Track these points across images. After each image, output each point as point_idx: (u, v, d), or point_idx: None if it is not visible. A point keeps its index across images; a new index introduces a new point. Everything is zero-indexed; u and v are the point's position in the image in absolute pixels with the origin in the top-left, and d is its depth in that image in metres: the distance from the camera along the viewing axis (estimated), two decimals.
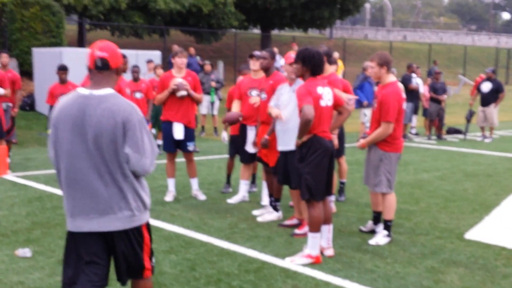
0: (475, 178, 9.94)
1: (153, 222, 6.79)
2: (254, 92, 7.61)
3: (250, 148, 7.65)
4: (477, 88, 15.82)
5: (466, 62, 35.39)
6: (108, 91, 3.35)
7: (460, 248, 5.99)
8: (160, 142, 12.08)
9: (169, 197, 8.04)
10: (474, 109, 15.98)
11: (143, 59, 15.82)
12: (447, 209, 7.65)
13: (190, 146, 8.06)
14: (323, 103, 5.47)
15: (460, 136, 16.37)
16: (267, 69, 7.22)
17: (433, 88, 15.73)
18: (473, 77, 25.40)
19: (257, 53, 7.61)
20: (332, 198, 7.55)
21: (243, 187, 7.99)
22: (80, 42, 23.86)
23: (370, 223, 6.56)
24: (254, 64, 7.59)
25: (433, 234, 6.49)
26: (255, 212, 7.35)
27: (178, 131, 7.92)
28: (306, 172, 5.43)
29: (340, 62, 18.58)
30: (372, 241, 6.08)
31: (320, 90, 5.46)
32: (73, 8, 22.02)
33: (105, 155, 3.29)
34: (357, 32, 45.50)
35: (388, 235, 6.13)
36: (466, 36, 48.49)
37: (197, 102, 8.12)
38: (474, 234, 6.50)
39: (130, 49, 18.92)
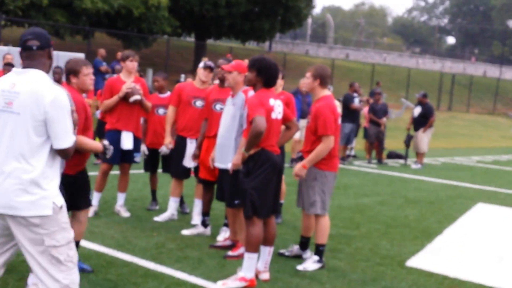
0: (417, 204, 10.23)
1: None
2: (199, 103, 7.58)
3: (188, 162, 7.62)
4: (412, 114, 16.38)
5: (409, 85, 36.58)
6: None
7: (401, 275, 6.14)
8: None
9: (90, 212, 7.87)
10: None
11: (64, 61, 15.51)
12: (388, 235, 7.83)
13: (137, 157, 8.01)
14: (274, 115, 5.54)
15: (401, 161, 16.83)
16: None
17: (373, 110, 16.13)
18: (415, 101, 26.24)
19: (209, 63, 7.68)
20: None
21: (173, 204, 7.93)
22: None
23: (295, 248, 6.59)
24: (207, 76, 7.61)
25: (374, 260, 6.62)
26: (184, 232, 7.29)
27: (128, 141, 7.82)
28: (252, 187, 5.46)
29: None
30: (300, 267, 6.13)
31: (272, 102, 5.55)
32: None
33: None
34: (297, 47, 46.33)
35: (320, 261, 6.19)
36: (410, 58, 50.22)
37: (146, 110, 8.04)
38: (415, 261, 6.68)
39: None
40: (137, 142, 7.99)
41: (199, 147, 7.19)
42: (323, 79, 6.17)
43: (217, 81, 7.18)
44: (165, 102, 8.42)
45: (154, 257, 6.20)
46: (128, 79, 7.86)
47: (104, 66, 17.90)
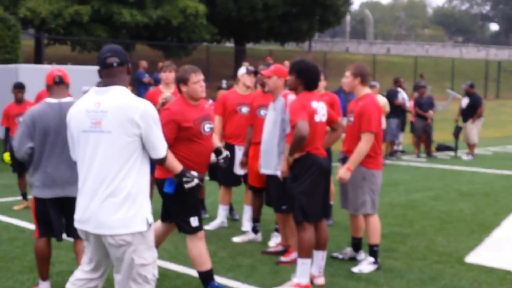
0: (471, 197, 9.95)
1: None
2: (245, 109, 7.50)
3: (238, 169, 7.56)
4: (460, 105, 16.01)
5: (454, 75, 35.90)
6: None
7: (461, 273, 5.94)
8: None
9: None
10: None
11: None
12: (443, 231, 7.62)
13: None
14: (317, 118, 5.44)
15: (451, 153, 16.48)
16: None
17: (419, 104, 15.84)
18: (462, 91, 25.72)
19: (251, 68, 7.62)
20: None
21: (222, 212, 7.88)
22: (38, 58, 23.64)
23: (349, 250, 6.46)
24: (251, 81, 7.53)
25: (431, 258, 6.44)
26: (235, 239, 7.23)
27: None
28: (300, 192, 5.36)
29: None
30: (356, 269, 5.99)
31: (314, 104, 5.44)
32: (30, 22, 21.85)
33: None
34: (337, 45, 46.01)
35: (375, 262, 6.05)
36: (453, 48, 49.33)
37: None
38: (475, 257, 6.47)
39: (93, 65, 18.79)
40: None
41: (245, 153, 7.11)
42: (363, 77, 6.04)
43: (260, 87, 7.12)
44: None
45: None
46: (167, 89, 7.81)
47: (147, 78, 18.00)
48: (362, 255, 6.36)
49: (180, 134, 4.96)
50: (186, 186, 4.73)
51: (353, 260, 6.33)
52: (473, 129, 15.37)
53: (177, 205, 5.02)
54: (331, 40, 47.81)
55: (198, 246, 5.08)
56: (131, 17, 23.34)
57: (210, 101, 8.63)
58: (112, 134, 3.64)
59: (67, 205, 5.04)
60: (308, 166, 5.40)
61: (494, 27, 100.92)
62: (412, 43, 51.19)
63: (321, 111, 5.50)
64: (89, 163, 3.72)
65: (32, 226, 7.14)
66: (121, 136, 3.64)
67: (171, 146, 4.71)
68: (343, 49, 44.95)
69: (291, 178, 5.51)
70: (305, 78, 5.46)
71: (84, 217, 3.75)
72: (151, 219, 3.80)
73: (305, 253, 5.39)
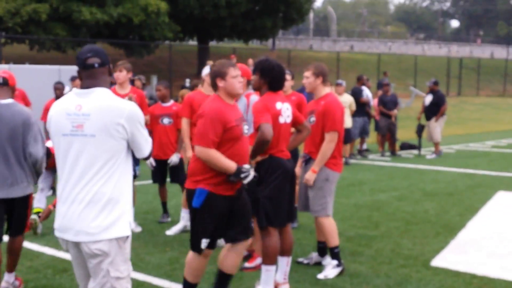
0: (435, 197, 9.95)
1: None
2: None
3: None
4: (423, 102, 16.07)
5: (417, 72, 36.20)
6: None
7: (427, 277, 5.87)
8: None
9: None
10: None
11: (67, 75, 15.33)
12: (409, 233, 7.56)
13: (136, 171, 7.77)
14: (281, 120, 5.29)
15: (415, 151, 16.54)
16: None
17: (383, 102, 15.83)
18: (425, 88, 25.93)
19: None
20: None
21: (185, 215, 7.70)
22: None
23: (314, 255, 6.34)
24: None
25: (397, 262, 6.36)
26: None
27: None
28: (264, 196, 5.22)
29: None
30: (321, 275, 5.86)
31: (279, 105, 5.29)
32: None
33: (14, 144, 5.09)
34: (301, 42, 46.03)
35: (338, 265, 5.94)
36: (416, 45, 49.81)
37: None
38: (440, 261, 6.41)
39: (52, 64, 18.40)
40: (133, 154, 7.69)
41: None
42: (324, 77, 5.98)
43: None
44: (169, 111, 8.20)
45: (168, 274, 5.99)
46: (122, 90, 7.61)
47: (115, 77, 17.63)
48: (327, 259, 6.25)
49: (223, 136, 4.60)
50: (245, 181, 4.58)
51: (319, 265, 6.22)
52: (437, 127, 15.42)
53: (194, 220, 4.73)
54: (295, 37, 47.80)
55: (200, 261, 4.84)
56: (91, 15, 22.93)
57: (172, 101, 8.45)
58: (95, 138, 3.47)
59: (10, 205, 5.20)
60: (272, 169, 5.25)
61: (455, 23, 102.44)
62: (375, 40, 51.55)
63: (286, 112, 5.36)
64: (70, 168, 3.53)
65: None
66: (106, 140, 3.47)
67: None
68: (307, 46, 45.00)
69: (254, 181, 5.35)
70: (269, 77, 5.31)
71: (63, 225, 3.56)
72: (132, 226, 3.64)
73: (270, 259, 5.25)
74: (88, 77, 3.57)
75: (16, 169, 5.09)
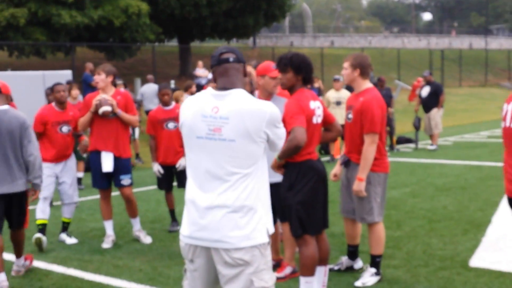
0: (450, 192, 9.62)
1: (94, 277, 5.98)
2: None
3: None
4: (419, 94, 15.78)
5: (399, 66, 36.01)
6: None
7: (471, 280, 5.50)
8: (80, 174, 11.13)
9: (107, 243, 7.20)
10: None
11: (51, 80, 14.71)
12: (435, 232, 7.20)
13: (125, 180, 7.25)
14: (314, 120, 4.88)
15: (411, 145, 16.26)
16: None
17: None
18: (408, 81, 25.62)
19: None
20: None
21: None
22: None
23: (344, 259, 5.95)
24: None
25: (433, 264, 5.99)
26: None
27: (107, 163, 7.10)
28: (297, 202, 4.80)
29: None
30: (359, 283, 5.48)
31: (312, 104, 4.86)
32: None
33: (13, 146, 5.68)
34: (281, 40, 45.66)
35: (377, 273, 5.55)
36: (396, 38, 49.67)
37: (130, 124, 7.39)
38: (478, 260, 6.06)
39: (33, 70, 17.80)
40: (121, 162, 7.20)
41: None
42: (364, 69, 5.50)
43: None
44: (173, 115, 7.76)
45: None
46: (106, 93, 7.19)
47: (94, 81, 17.10)
48: (359, 263, 5.88)
49: None
50: None
51: (351, 270, 5.84)
52: (437, 117, 15.18)
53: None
54: (275, 35, 47.27)
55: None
56: (70, 19, 22.23)
57: (173, 103, 8.05)
58: (235, 143, 3.23)
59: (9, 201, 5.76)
60: (304, 172, 4.84)
61: (427, 16, 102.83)
62: (355, 35, 51.31)
63: (317, 111, 4.95)
64: (205, 173, 3.29)
65: None
66: (246, 145, 3.24)
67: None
68: (287, 43, 44.58)
69: (285, 186, 4.94)
70: (303, 72, 4.88)
71: (199, 232, 3.28)
72: (271, 230, 3.33)
73: (309, 270, 4.85)
74: (222, 75, 3.35)
75: (15, 168, 5.69)
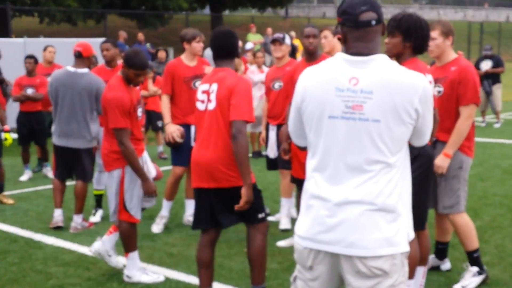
0: None
1: (146, 267, 5.35)
2: (277, 85, 6.55)
3: (270, 152, 6.59)
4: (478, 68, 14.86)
5: None
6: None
7: None
8: (161, 148, 10.75)
9: (157, 227, 6.55)
10: None
11: None
12: None
13: None
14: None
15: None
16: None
17: None
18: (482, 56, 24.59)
19: (279, 35, 6.58)
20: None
21: (286, 204, 6.59)
22: (4, 30, 21.77)
23: (431, 258, 5.23)
24: (279, 50, 6.55)
25: None
26: (280, 244, 5.98)
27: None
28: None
29: (298, 42, 16.44)
30: (458, 286, 4.78)
31: (429, 77, 4.11)
32: None
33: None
34: (313, 10, 44.53)
35: (480, 272, 4.84)
36: (431, 10, 48.29)
37: None
38: None
39: (65, 37, 17.20)
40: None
41: (287, 138, 5.60)
42: (453, 37, 4.78)
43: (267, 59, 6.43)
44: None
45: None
46: (191, 62, 6.54)
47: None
48: (447, 264, 5.18)
49: None
50: None
51: (437, 270, 5.14)
52: (498, 93, 14.35)
53: None
54: (307, 5, 46.19)
55: None
56: None
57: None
58: (379, 124, 2.54)
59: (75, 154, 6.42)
60: (413, 156, 4.12)
61: None
62: (389, 6, 49.92)
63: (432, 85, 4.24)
64: (337, 161, 2.62)
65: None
66: (393, 127, 2.55)
67: None
68: (320, 14, 43.46)
69: None
70: (416, 38, 4.07)
71: (324, 234, 2.62)
72: (412, 235, 2.71)
73: (409, 272, 4.17)
74: (360, 39, 2.61)
75: (82, 126, 6.29)
